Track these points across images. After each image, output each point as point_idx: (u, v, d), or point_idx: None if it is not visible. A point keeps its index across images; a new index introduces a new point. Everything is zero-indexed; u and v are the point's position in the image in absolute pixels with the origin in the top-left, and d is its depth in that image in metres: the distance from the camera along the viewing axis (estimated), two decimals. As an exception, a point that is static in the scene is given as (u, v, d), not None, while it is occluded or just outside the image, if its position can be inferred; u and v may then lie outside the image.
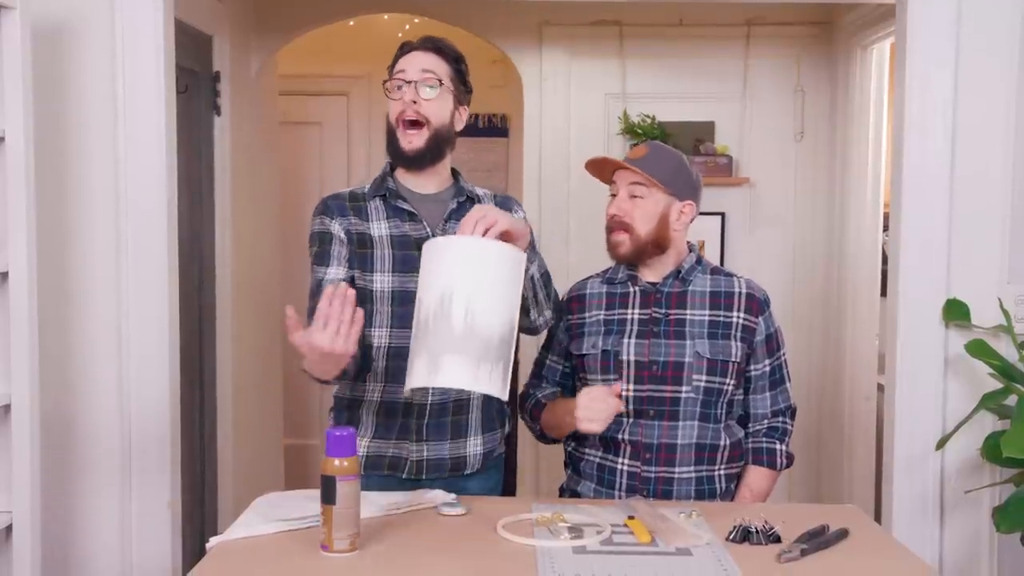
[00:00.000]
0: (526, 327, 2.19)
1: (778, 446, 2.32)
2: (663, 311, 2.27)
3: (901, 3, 2.66)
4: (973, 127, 2.59)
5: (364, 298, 2.16)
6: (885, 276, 3.29)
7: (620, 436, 2.22)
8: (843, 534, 1.87)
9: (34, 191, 2.30)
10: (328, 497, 1.73)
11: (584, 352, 2.30)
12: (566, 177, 4.14)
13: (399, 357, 2.09)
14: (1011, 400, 2.49)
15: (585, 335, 2.31)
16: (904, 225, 2.63)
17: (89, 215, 2.57)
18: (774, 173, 4.18)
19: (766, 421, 2.33)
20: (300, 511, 1.91)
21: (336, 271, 2.16)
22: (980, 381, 2.58)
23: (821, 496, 4.15)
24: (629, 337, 2.26)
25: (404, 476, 2.19)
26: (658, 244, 2.25)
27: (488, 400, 2.22)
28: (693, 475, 2.23)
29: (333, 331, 1.80)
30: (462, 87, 2.23)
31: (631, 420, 2.22)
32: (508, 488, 3.67)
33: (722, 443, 2.26)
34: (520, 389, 2.46)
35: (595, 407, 2.10)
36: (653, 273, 2.30)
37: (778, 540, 1.83)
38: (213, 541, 1.82)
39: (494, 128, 5.26)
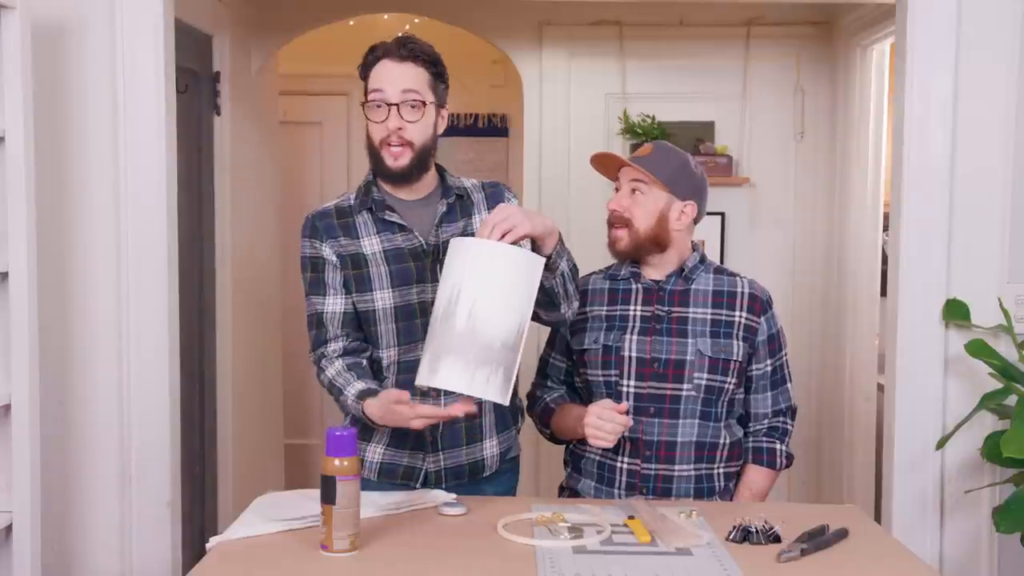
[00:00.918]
0: (556, 320, 2.18)
1: (778, 446, 2.32)
2: (665, 309, 2.27)
3: (901, 3, 2.66)
4: (973, 127, 2.59)
5: (368, 320, 2.16)
6: (885, 276, 3.29)
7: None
8: (843, 534, 1.87)
9: (34, 191, 2.30)
10: (328, 497, 1.74)
11: (585, 347, 2.30)
12: (566, 177, 4.14)
13: (409, 371, 2.07)
14: (1011, 400, 2.48)
15: (586, 330, 2.31)
16: (904, 225, 2.63)
17: (89, 215, 2.57)
18: (774, 173, 4.18)
19: (766, 421, 2.34)
20: (300, 511, 1.92)
21: (335, 303, 2.16)
22: (980, 381, 2.58)
23: (821, 496, 4.15)
24: (631, 333, 2.26)
25: (419, 486, 2.18)
26: (657, 242, 2.26)
27: None
28: (692, 473, 2.24)
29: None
30: (442, 87, 2.16)
31: (631, 417, 2.22)
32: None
33: (722, 441, 2.26)
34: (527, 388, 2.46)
35: (605, 426, 2.10)
36: (656, 271, 2.30)
37: (778, 540, 1.83)
38: (213, 541, 1.83)
39: (494, 128, 5.26)
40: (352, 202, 2.20)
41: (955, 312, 2.59)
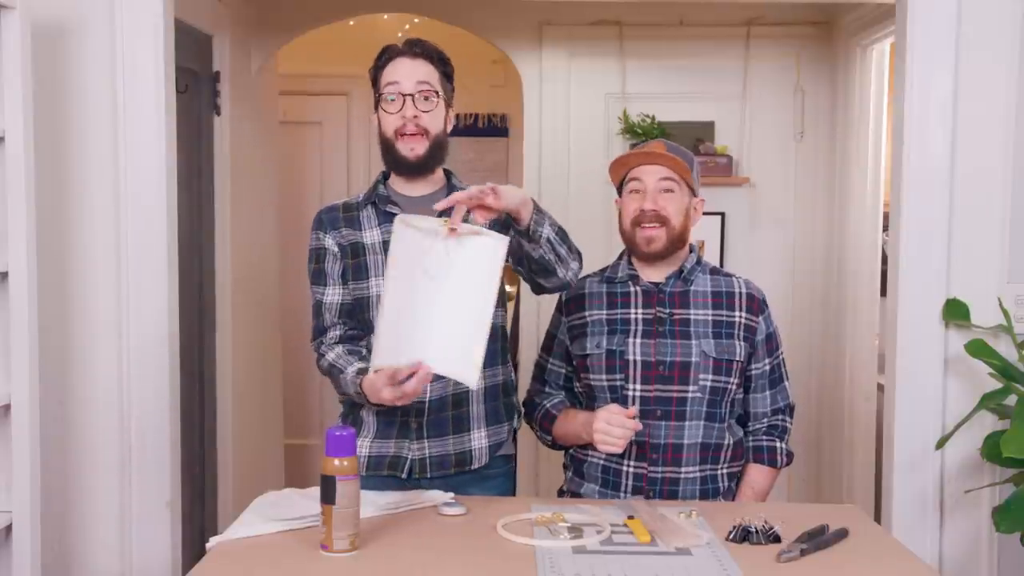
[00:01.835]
0: (558, 285, 2.16)
1: (778, 444, 2.32)
2: (667, 311, 2.27)
3: (901, 3, 2.66)
4: (973, 127, 2.59)
5: (364, 306, 2.20)
6: (885, 276, 3.28)
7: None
8: (843, 534, 1.87)
9: (34, 191, 2.30)
10: (328, 497, 1.74)
11: (587, 352, 2.29)
12: (566, 177, 4.13)
13: None
14: (1011, 400, 2.48)
15: (587, 335, 2.30)
16: (904, 225, 2.63)
17: (89, 215, 2.57)
18: (774, 173, 4.18)
19: (766, 419, 2.34)
20: (300, 511, 1.92)
21: (333, 292, 2.23)
22: (980, 381, 2.57)
23: (821, 496, 4.14)
24: (634, 337, 2.25)
25: (404, 476, 2.19)
26: (683, 239, 2.27)
27: (489, 392, 2.22)
28: (698, 475, 2.23)
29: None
30: (450, 88, 2.24)
31: (638, 421, 2.21)
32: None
33: (726, 442, 2.26)
34: (524, 395, 2.46)
35: (614, 431, 2.09)
36: (655, 272, 2.30)
37: (778, 540, 1.83)
38: (213, 541, 1.83)
39: (494, 128, 5.26)
40: (360, 199, 2.27)
41: (955, 312, 2.59)
